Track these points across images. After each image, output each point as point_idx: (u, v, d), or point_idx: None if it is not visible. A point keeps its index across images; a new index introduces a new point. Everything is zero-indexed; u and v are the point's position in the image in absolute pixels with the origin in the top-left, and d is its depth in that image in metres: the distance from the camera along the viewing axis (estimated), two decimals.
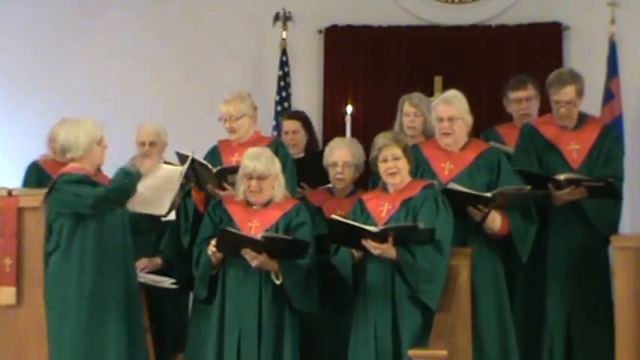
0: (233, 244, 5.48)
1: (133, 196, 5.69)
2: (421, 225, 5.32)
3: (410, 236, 5.32)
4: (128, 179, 5.52)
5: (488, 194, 5.64)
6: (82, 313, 5.51)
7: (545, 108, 6.65)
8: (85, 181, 5.52)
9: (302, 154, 6.89)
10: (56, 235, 5.55)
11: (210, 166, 5.96)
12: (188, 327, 6.14)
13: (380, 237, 5.30)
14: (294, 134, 6.98)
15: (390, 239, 5.30)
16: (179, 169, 5.88)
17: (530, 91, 6.64)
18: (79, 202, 5.44)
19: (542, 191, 5.86)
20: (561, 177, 5.88)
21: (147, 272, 6.13)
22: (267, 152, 5.75)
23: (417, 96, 6.58)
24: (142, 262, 6.14)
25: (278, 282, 5.53)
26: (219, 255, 5.53)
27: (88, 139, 5.59)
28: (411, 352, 5.16)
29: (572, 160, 6.10)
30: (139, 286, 5.89)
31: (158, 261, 6.24)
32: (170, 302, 6.29)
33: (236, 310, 5.59)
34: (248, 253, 5.45)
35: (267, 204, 5.70)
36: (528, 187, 5.76)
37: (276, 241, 5.46)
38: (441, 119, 5.83)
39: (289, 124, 7.04)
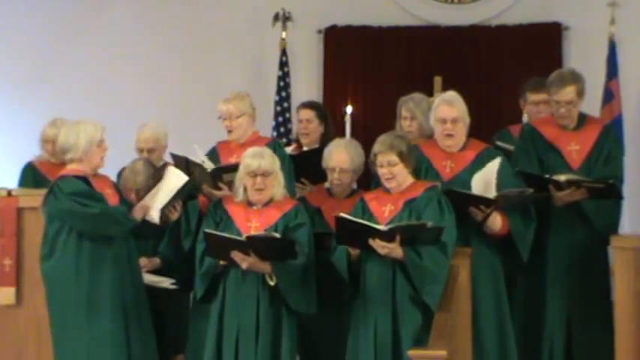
0: (220, 247, 5.48)
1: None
2: (430, 224, 5.31)
3: (417, 235, 5.31)
4: (122, 218, 5.55)
5: (491, 196, 5.64)
6: (81, 315, 5.50)
7: None
8: (82, 193, 5.49)
9: (316, 145, 6.88)
10: (51, 238, 5.55)
11: (204, 166, 5.96)
12: (188, 327, 6.14)
13: (388, 236, 5.28)
14: (307, 123, 6.98)
15: (398, 238, 5.30)
16: (183, 180, 5.83)
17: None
18: (71, 218, 5.45)
19: (544, 194, 5.86)
20: (562, 178, 5.88)
21: (146, 271, 6.12)
22: (267, 150, 5.77)
23: (413, 98, 6.54)
24: (142, 261, 6.13)
25: (272, 283, 5.53)
26: None
27: (87, 141, 5.59)
28: (411, 352, 5.15)
29: (572, 161, 6.10)
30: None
31: (157, 261, 6.23)
32: (170, 302, 6.29)
33: (235, 310, 5.59)
34: (236, 255, 5.44)
35: (267, 204, 5.70)
36: (531, 190, 5.76)
37: (260, 241, 5.43)
38: (444, 121, 5.82)
39: (303, 113, 7.05)
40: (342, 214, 5.40)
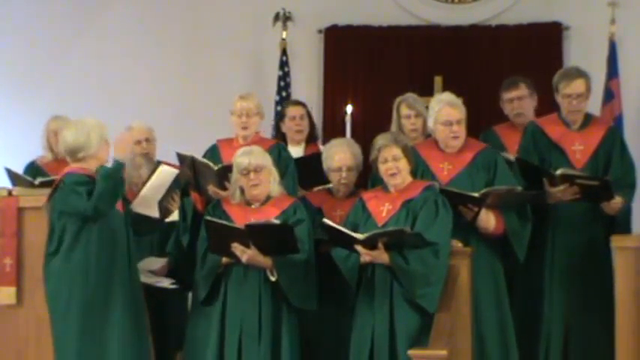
0: (220, 238, 5.48)
1: (136, 198, 5.71)
2: (408, 229, 5.31)
3: (400, 240, 5.31)
4: (110, 170, 5.50)
5: (476, 194, 5.65)
6: (86, 314, 5.50)
7: (540, 108, 6.70)
8: (89, 182, 5.50)
9: (302, 144, 6.93)
10: (58, 235, 5.54)
11: (211, 165, 5.96)
12: (186, 326, 6.13)
13: (368, 243, 5.29)
14: (300, 119, 7.00)
15: (381, 245, 5.29)
16: (174, 172, 5.86)
17: (521, 91, 6.70)
18: (80, 202, 5.44)
19: (534, 191, 5.86)
20: (557, 172, 5.88)
21: (148, 271, 6.12)
22: (257, 147, 5.83)
23: (411, 96, 6.59)
24: (152, 264, 6.13)
25: (273, 279, 5.53)
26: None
27: (98, 138, 5.60)
28: (411, 352, 5.15)
29: (575, 161, 6.10)
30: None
31: (166, 265, 6.22)
32: (171, 301, 6.29)
33: (237, 309, 5.60)
34: (236, 248, 5.45)
35: (265, 202, 5.71)
36: (519, 188, 5.77)
37: (259, 229, 5.44)
38: (450, 123, 5.82)
39: (296, 110, 7.06)
40: (325, 220, 5.43)
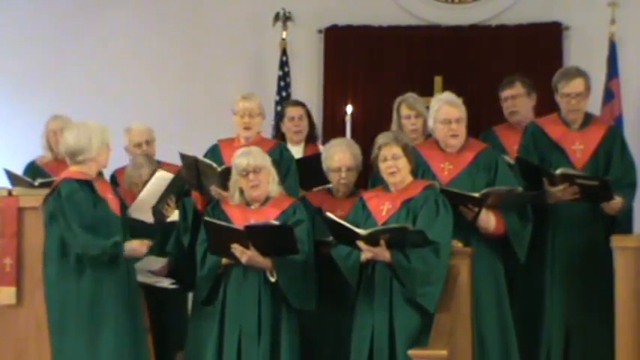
0: (220, 238, 5.48)
1: (134, 202, 5.71)
2: (411, 227, 5.31)
3: (402, 239, 5.31)
4: (110, 253, 5.47)
5: (477, 194, 5.65)
6: (82, 317, 5.50)
7: (541, 108, 6.70)
8: (83, 202, 5.47)
9: (302, 144, 6.94)
10: (52, 240, 5.54)
11: (214, 166, 5.96)
12: (188, 326, 6.13)
13: (370, 239, 5.29)
14: (299, 120, 7.01)
15: (383, 242, 5.29)
16: (169, 177, 5.84)
17: (516, 89, 6.73)
18: (66, 232, 5.42)
19: (534, 192, 5.87)
20: (557, 171, 5.88)
21: (147, 271, 6.11)
22: (255, 147, 5.82)
23: (411, 97, 6.60)
24: (152, 263, 6.13)
25: (272, 279, 5.53)
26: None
27: (100, 142, 5.59)
28: (411, 352, 5.16)
29: (575, 160, 6.10)
30: (139, 286, 5.88)
31: (166, 264, 6.21)
32: (171, 301, 6.29)
33: (236, 309, 5.60)
34: (236, 249, 5.45)
35: (264, 203, 5.70)
36: (520, 188, 5.77)
37: (258, 230, 5.44)
38: (449, 121, 5.82)
39: (295, 110, 7.07)
40: (328, 214, 5.43)
